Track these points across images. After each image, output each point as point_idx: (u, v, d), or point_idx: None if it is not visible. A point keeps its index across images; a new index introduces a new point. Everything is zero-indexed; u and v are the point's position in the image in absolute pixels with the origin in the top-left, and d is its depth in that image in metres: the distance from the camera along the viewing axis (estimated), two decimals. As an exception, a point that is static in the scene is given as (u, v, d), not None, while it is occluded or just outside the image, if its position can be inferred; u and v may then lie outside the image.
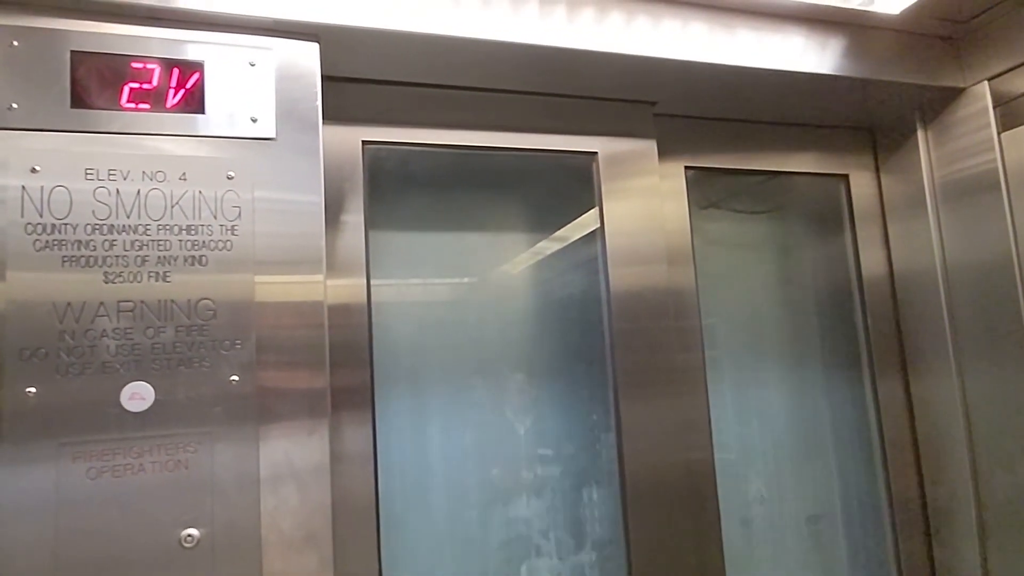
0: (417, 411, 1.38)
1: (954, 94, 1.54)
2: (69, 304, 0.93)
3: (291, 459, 1.00)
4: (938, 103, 1.58)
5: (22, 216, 0.92)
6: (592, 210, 1.44)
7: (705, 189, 1.66)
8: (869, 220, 1.72)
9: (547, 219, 1.54)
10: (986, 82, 1.48)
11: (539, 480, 1.43)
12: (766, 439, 1.66)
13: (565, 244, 1.52)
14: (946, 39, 1.53)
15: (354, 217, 1.25)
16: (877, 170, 1.75)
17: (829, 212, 1.76)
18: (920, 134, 1.61)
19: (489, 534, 1.39)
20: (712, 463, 1.47)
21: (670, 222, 1.50)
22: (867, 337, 1.68)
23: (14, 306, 0.90)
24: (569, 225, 1.51)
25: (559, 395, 1.48)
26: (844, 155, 1.73)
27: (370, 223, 1.27)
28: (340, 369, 1.17)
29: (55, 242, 0.93)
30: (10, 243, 0.91)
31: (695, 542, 1.39)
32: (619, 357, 1.38)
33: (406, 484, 1.34)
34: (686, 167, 1.57)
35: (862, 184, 1.74)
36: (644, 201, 1.45)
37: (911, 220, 1.64)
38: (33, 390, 0.90)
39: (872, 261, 1.71)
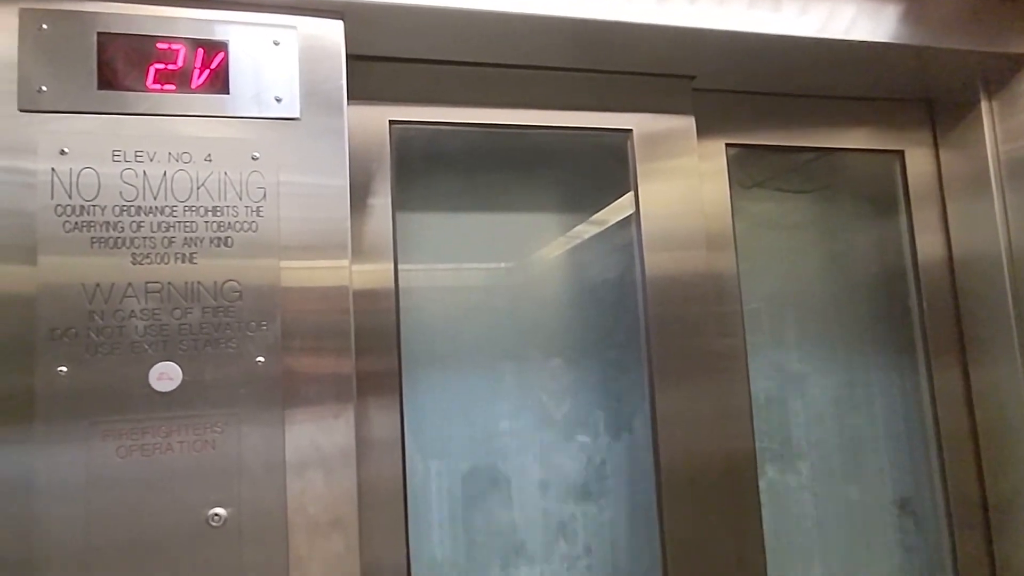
0: (447, 397, 1.36)
1: (1021, 62, 1.43)
2: (98, 285, 0.94)
3: (317, 442, 1.00)
4: (1003, 72, 1.47)
5: (52, 198, 0.93)
6: (628, 194, 1.39)
7: (748, 168, 1.59)
8: (926, 200, 1.62)
9: (581, 201, 1.50)
10: (1057, 47, 1.38)
11: (571, 467, 1.40)
12: (812, 429, 1.59)
13: (599, 227, 1.48)
14: (1012, 1, 1.42)
15: (381, 199, 1.23)
16: (936, 146, 1.64)
17: (883, 191, 1.67)
18: (983, 106, 1.51)
19: (518, 521, 1.37)
20: (753, 453, 1.41)
21: (710, 203, 1.44)
22: (923, 325, 1.59)
23: (45, 287, 0.92)
24: (604, 208, 1.46)
25: (593, 382, 1.44)
26: (899, 130, 1.63)
27: (397, 205, 1.25)
28: (368, 354, 1.16)
29: (84, 224, 0.94)
30: (40, 225, 0.93)
31: (734, 534, 1.34)
32: (655, 343, 1.33)
33: (435, 470, 1.33)
34: (727, 144, 1.50)
35: (919, 161, 1.63)
36: (682, 181, 1.40)
37: (973, 200, 1.54)
38: (64, 369, 0.91)
39: (929, 244, 1.61)
